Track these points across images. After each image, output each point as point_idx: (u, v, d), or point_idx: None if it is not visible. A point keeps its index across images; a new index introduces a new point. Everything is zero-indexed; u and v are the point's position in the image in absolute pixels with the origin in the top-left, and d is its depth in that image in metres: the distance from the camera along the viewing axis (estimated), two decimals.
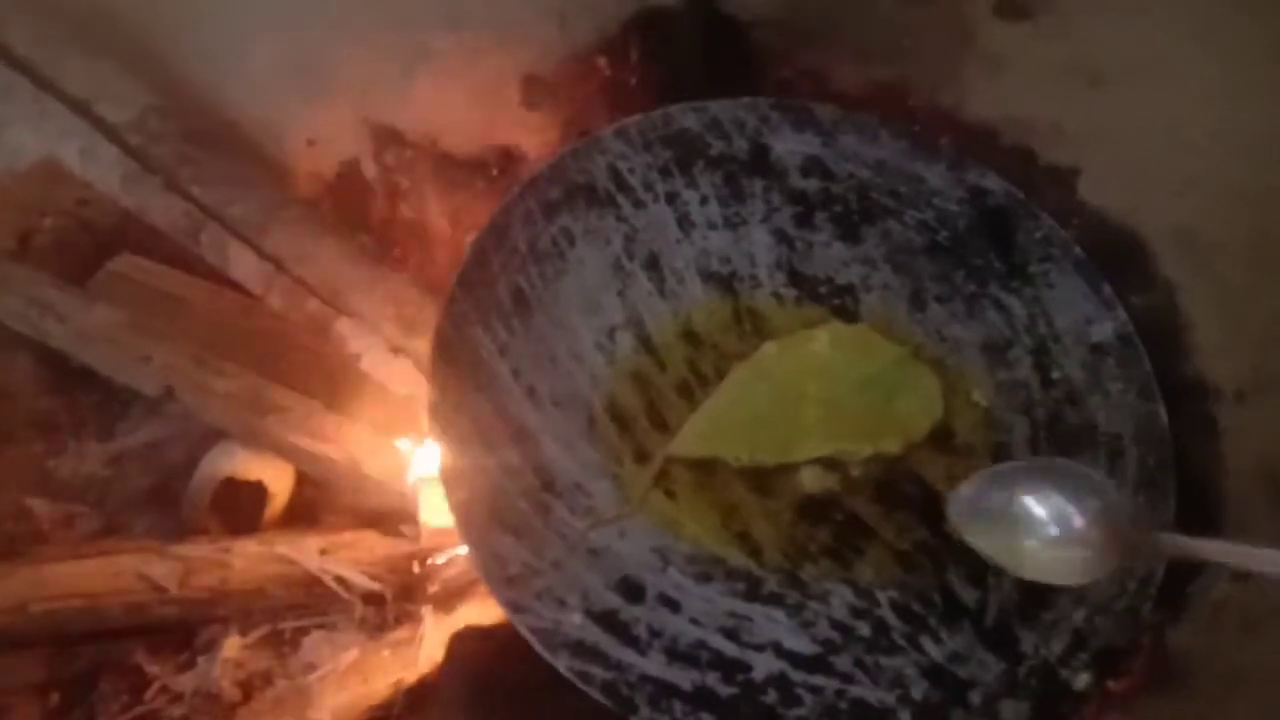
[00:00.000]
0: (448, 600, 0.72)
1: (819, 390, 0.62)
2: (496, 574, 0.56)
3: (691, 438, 0.61)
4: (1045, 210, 0.71)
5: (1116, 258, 0.68)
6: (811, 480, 0.59)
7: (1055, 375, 0.66)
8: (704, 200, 0.70)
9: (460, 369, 0.62)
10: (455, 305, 0.64)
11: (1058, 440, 0.64)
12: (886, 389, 0.63)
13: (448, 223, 0.86)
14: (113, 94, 0.86)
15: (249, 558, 0.75)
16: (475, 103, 0.78)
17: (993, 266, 0.70)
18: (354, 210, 0.89)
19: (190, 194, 0.83)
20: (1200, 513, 0.60)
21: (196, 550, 0.75)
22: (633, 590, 0.57)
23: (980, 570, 0.59)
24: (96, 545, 0.75)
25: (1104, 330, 0.67)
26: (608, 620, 0.55)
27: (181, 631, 0.75)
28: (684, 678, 0.54)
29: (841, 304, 0.68)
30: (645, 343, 0.65)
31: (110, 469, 0.84)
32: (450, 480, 0.59)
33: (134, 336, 0.82)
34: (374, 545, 0.78)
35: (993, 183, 0.72)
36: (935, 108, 0.77)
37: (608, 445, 0.61)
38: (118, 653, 0.74)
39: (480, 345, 0.63)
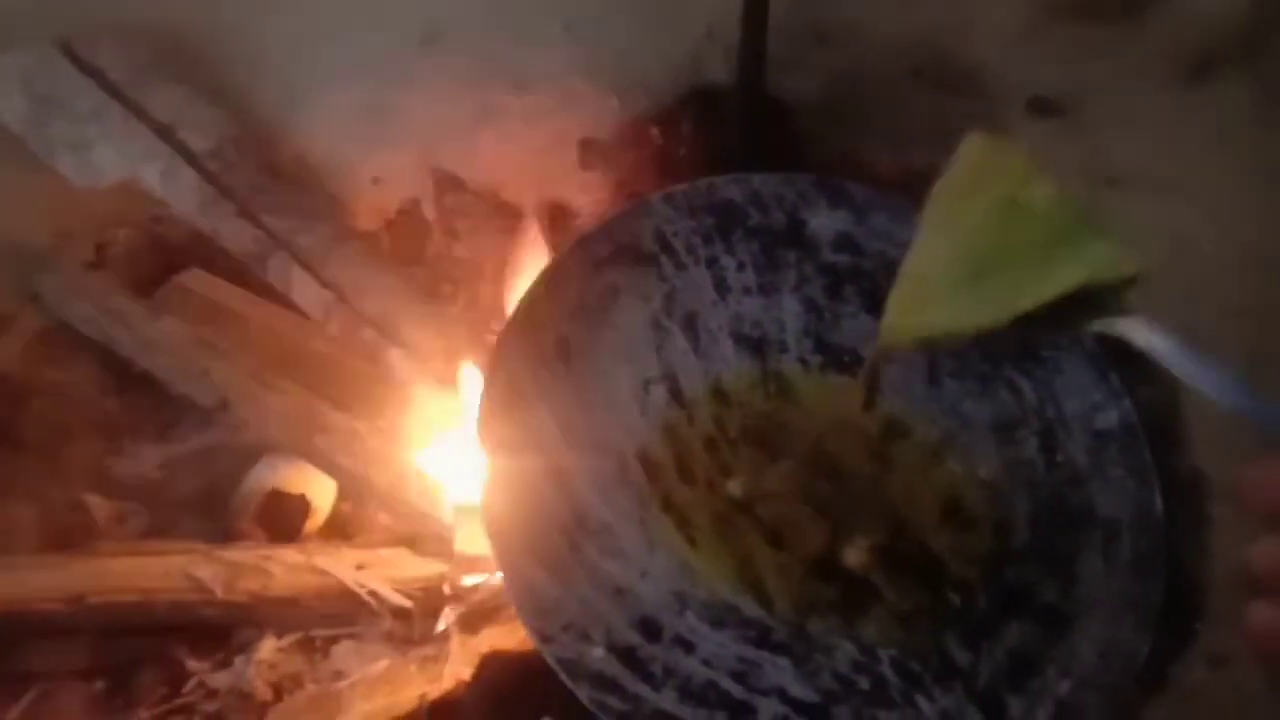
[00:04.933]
0: (474, 622, 0.76)
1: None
2: (527, 604, 0.61)
3: (899, 317, 0.51)
4: None
5: (1124, 351, 0.72)
6: (854, 556, 0.64)
7: (1060, 458, 0.70)
8: (741, 267, 0.75)
9: (505, 408, 0.67)
10: (504, 347, 0.69)
11: (1057, 519, 0.68)
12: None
13: (498, 266, 0.92)
14: (194, 122, 0.92)
15: (289, 567, 0.80)
16: (534, 159, 0.84)
17: (1007, 349, 0.74)
18: (410, 245, 0.95)
19: (261, 222, 0.89)
20: (1186, 599, 0.64)
21: (241, 556, 0.80)
22: (652, 630, 0.61)
23: (975, 636, 0.63)
24: (149, 544, 0.80)
25: (1109, 418, 0.71)
26: (627, 656, 0.60)
27: (220, 631, 0.80)
28: (694, 715, 0.59)
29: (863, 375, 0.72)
30: (677, 397, 0.70)
31: (163, 472, 0.89)
32: (489, 511, 0.63)
33: (196, 350, 0.87)
34: (406, 564, 0.82)
35: None
36: None
37: (637, 491, 0.66)
38: (160, 647, 0.79)
39: (525, 387, 0.68)
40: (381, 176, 0.92)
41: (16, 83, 0.94)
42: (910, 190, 0.85)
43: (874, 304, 0.75)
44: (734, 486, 0.65)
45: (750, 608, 0.62)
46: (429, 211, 0.92)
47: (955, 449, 0.70)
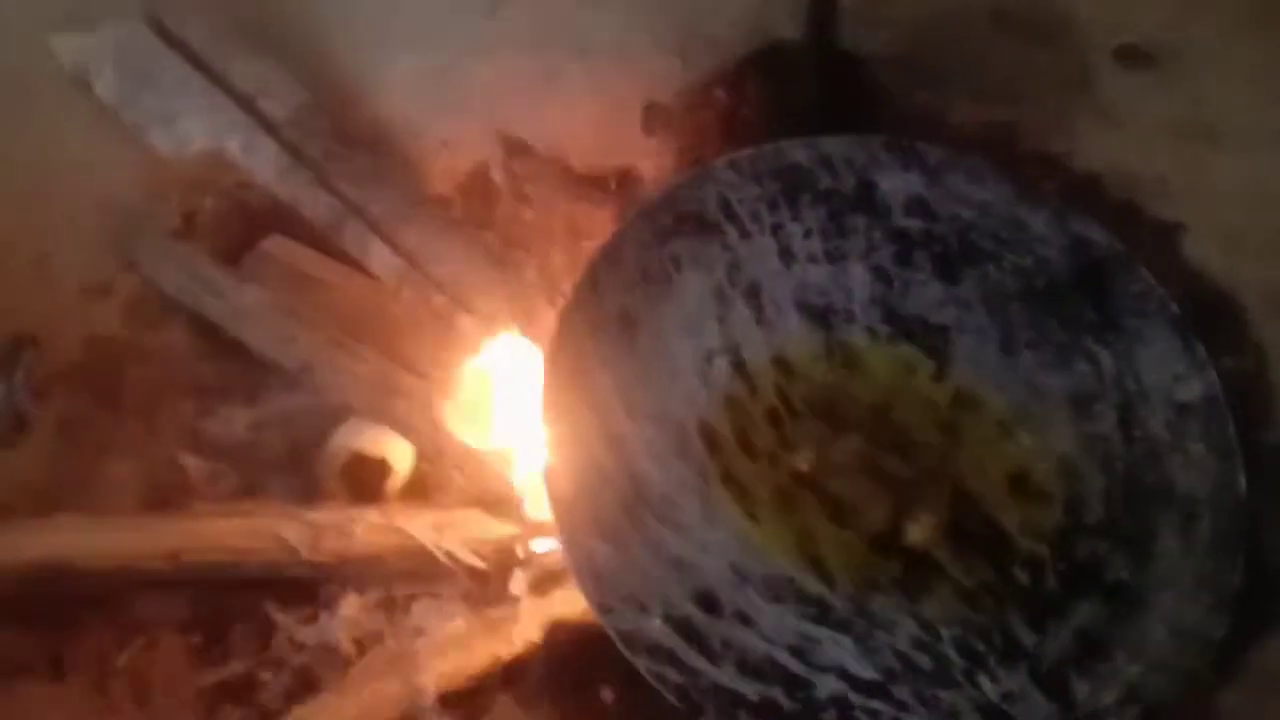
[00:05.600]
0: (544, 585, 0.78)
1: None
2: (587, 574, 0.62)
3: None
4: (1145, 265, 0.73)
5: (1211, 318, 0.69)
6: (918, 532, 0.63)
7: (1138, 432, 0.68)
8: (807, 234, 0.74)
9: (568, 377, 0.68)
10: (568, 317, 0.70)
11: (1134, 496, 0.66)
12: None
13: (566, 229, 0.92)
14: (273, 92, 0.94)
15: (370, 528, 0.83)
16: (598, 124, 0.83)
17: (1087, 317, 0.72)
18: (480, 209, 0.95)
19: (336, 189, 0.91)
20: (1266, 581, 0.62)
21: (324, 517, 0.83)
22: (710, 603, 0.62)
23: (1041, 615, 0.62)
24: (239, 505, 0.84)
25: (1192, 390, 0.68)
26: (685, 629, 0.61)
27: (307, 588, 0.84)
28: (751, 689, 0.60)
29: (933, 344, 0.71)
30: (740, 368, 0.70)
31: (252, 433, 0.93)
32: (552, 480, 0.65)
33: (280, 317, 0.90)
34: (481, 526, 0.85)
35: (1095, 233, 0.74)
36: (1044, 154, 0.79)
37: (698, 463, 0.66)
38: (251, 602, 0.83)
39: (588, 356, 0.69)
40: (451, 140, 0.93)
41: (109, 56, 0.97)
42: (987, 149, 0.82)
43: (946, 271, 0.73)
44: (801, 460, 0.65)
45: (811, 583, 0.62)
46: (497, 176, 0.93)
47: (1027, 422, 0.68)
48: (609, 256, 0.71)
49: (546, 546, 0.81)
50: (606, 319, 0.70)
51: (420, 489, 0.90)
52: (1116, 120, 0.79)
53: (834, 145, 0.76)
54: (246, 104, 0.94)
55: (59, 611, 0.81)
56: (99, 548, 0.80)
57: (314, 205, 0.91)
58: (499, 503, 0.85)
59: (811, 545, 0.64)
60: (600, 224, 0.90)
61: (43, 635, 0.81)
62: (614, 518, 0.64)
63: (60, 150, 0.97)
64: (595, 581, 0.62)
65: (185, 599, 0.84)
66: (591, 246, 0.83)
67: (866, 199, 0.75)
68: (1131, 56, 0.81)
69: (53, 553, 0.79)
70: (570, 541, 0.63)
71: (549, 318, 0.84)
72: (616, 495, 0.64)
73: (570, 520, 0.63)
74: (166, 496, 0.89)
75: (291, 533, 0.82)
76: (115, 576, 0.80)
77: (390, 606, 0.84)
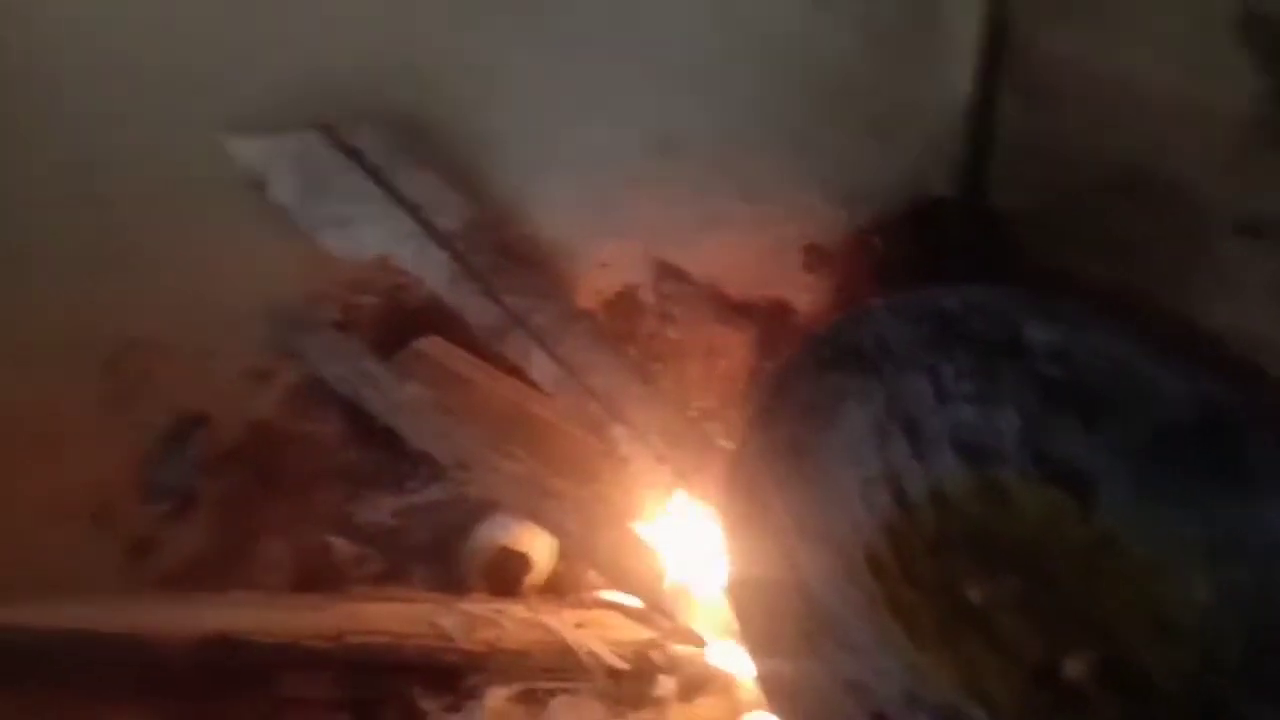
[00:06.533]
0: (689, 691, 0.82)
1: None
2: (768, 687, 0.66)
3: None
4: (1273, 422, 0.78)
5: None
6: (1073, 668, 0.67)
7: (1273, 582, 0.72)
8: (959, 375, 0.80)
9: (746, 497, 0.73)
10: (746, 443, 0.75)
11: (1271, 644, 0.70)
12: None
13: (705, 348, 0.98)
14: (441, 205, 1.01)
15: (518, 621, 0.87)
16: (757, 260, 0.90)
17: (1220, 471, 0.77)
18: (624, 323, 1.02)
19: (501, 300, 0.98)
20: None
21: (477, 608, 0.87)
22: None
23: None
24: (397, 591, 0.89)
25: None
26: None
27: (453, 676, 0.88)
28: None
29: (1078, 488, 0.76)
30: (899, 498, 0.75)
31: (398, 520, 0.98)
32: (734, 596, 0.69)
33: (438, 413, 0.96)
34: (620, 626, 0.89)
35: (1224, 391, 0.80)
36: (1172, 313, 0.85)
37: (866, 589, 0.71)
38: (398, 686, 0.87)
39: (763, 479, 0.74)
40: (607, 262, 1.00)
41: (285, 162, 1.05)
42: (1122, 305, 0.88)
43: (1089, 419, 0.79)
44: (974, 594, 0.69)
45: (978, 713, 0.66)
46: (646, 295, 1.00)
47: (1167, 568, 0.73)
48: (780, 386, 0.77)
49: (692, 653, 0.85)
50: (778, 444, 0.75)
51: (556, 585, 0.95)
52: (1237, 284, 0.85)
53: (982, 294, 0.83)
54: (416, 214, 1.02)
55: (218, 684, 0.85)
56: (268, 624, 0.84)
57: (479, 313, 0.98)
58: (640, 605, 0.90)
59: (975, 675, 0.68)
60: (737, 346, 0.96)
61: (200, 706, 0.85)
62: (792, 637, 0.68)
63: (230, 246, 1.03)
64: (773, 694, 0.66)
65: (335, 680, 0.88)
66: (728, 365, 0.89)
67: (1012, 346, 0.81)
68: (1250, 228, 0.88)
69: (225, 626, 0.83)
70: (752, 653, 0.67)
71: (690, 429, 0.90)
72: (794, 615, 0.69)
73: (750, 633, 0.68)
74: (316, 576, 0.94)
75: (448, 620, 0.86)
76: (279, 653, 0.84)
77: (530, 700, 0.88)
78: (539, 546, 0.93)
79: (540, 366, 0.95)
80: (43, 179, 0.97)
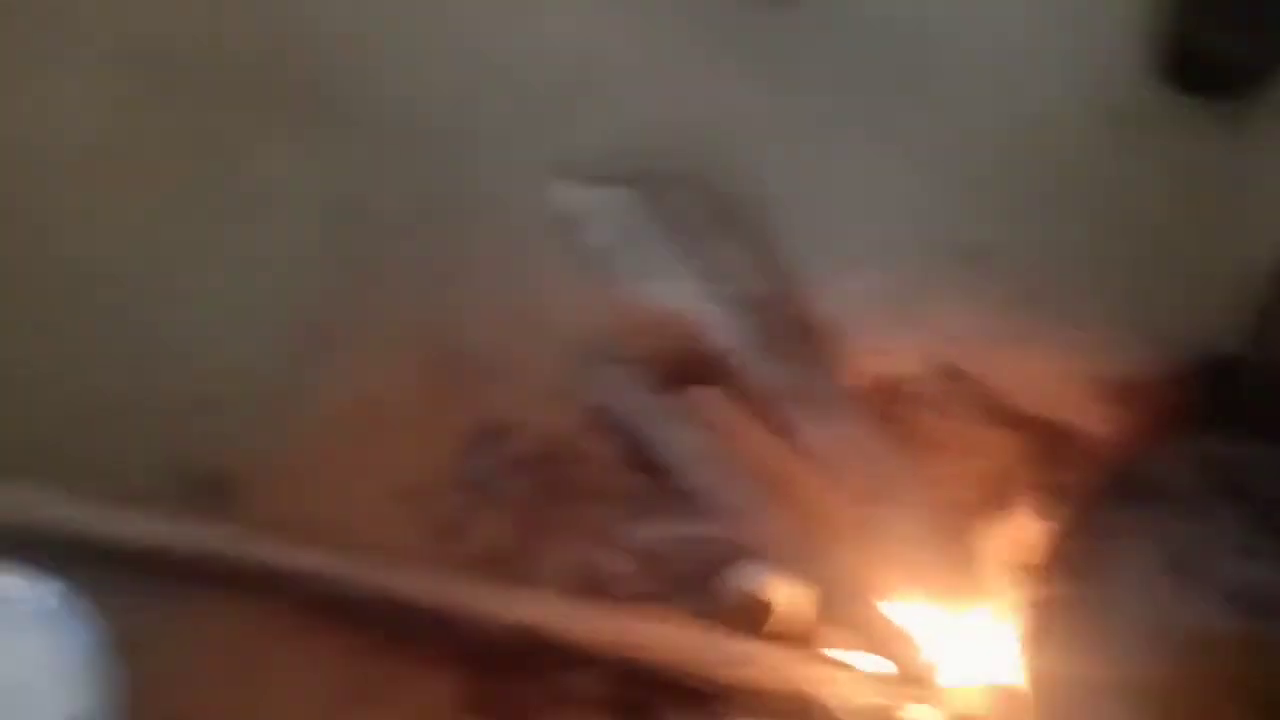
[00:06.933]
0: None
1: None
2: None
3: None
4: None
5: None
6: None
7: None
8: (1243, 529, 0.85)
9: (1048, 616, 0.81)
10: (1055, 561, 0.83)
11: None
12: None
13: (967, 449, 1.05)
14: (741, 272, 1.12)
15: (770, 664, 0.97)
16: (1044, 379, 0.97)
17: None
18: (890, 408, 1.10)
19: (782, 367, 1.08)
20: None
21: (736, 645, 0.97)
22: None
23: None
24: (667, 613, 1.00)
25: None
26: None
27: (703, 702, 0.98)
28: None
29: None
30: (1187, 643, 0.80)
31: (664, 547, 1.08)
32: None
33: (712, 459, 1.07)
34: (858, 685, 0.97)
35: None
36: None
37: None
38: (653, 699, 0.98)
39: (1060, 598, 0.81)
40: (888, 350, 1.08)
41: (602, 212, 1.18)
42: None
43: None
44: None
45: None
46: (919, 386, 1.08)
47: None
48: (1076, 517, 0.84)
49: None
50: (1074, 564, 0.82)
51: (807, 638, 1.04)
52: None
53: (1264, 451, 0.88)
54: (715, 277, 1.13)
55: (509, 667, 0.98)
56: (562, 623, 0.97)
57: (762, 379, 1.08)
58: (889, 674, 0.97)
59: None
60: (1000, 452, 1.03)
61: (491, 684, 0.98)
62: None
63: (550, 278, 1.17)
64: None
65: (603, 682, 0.99)
66: (985, 467, 0.96)
67: None
68: None
69: (530, 619, 0.96)
70: None
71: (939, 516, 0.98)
72: None
73: None
74: (588, 584, 1.05)
75: (711, 651, 0.97)
76: (565, 649, 0.97)
77: None
78: (793, 597, 1.02)
79: (811, 434, 1.04)
80: (395, 209, 1.13)
